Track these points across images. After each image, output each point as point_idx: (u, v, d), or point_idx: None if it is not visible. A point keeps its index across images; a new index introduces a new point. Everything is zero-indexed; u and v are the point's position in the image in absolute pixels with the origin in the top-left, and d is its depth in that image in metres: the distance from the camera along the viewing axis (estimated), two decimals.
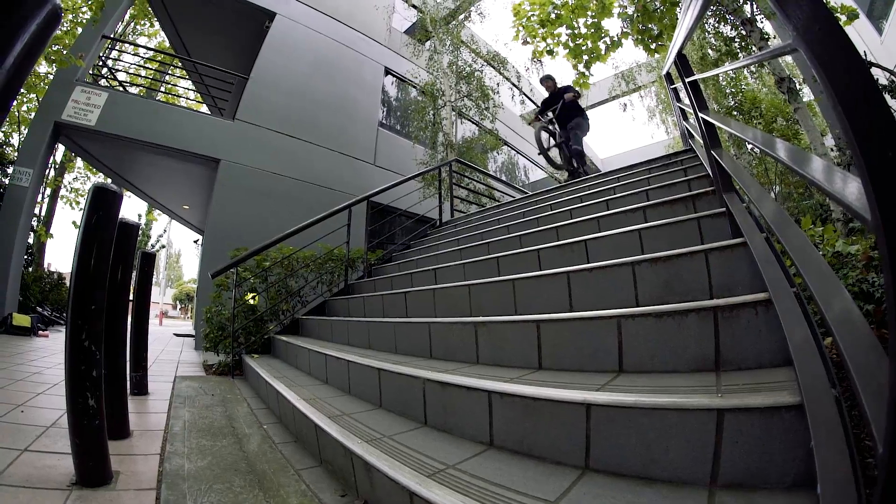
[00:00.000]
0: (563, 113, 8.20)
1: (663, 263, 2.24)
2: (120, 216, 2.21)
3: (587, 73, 8.84)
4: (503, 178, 16.50)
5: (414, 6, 14.51)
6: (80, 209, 17.48)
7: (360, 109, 12.12)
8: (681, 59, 3.13)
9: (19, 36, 0.79)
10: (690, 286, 2.12)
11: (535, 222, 4.43)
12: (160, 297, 46.47)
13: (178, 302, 57.46)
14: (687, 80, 2.99)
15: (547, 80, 8.53)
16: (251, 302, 5.91)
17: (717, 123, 2.52)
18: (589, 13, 8.38)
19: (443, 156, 11.19)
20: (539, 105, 8.44)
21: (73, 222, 18.39)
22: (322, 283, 6.31)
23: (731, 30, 8.33)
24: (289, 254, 6.13)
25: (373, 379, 2.48)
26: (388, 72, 13.50)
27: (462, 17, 13.42)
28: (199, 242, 19.54)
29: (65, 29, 11.62)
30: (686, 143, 5.47)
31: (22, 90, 12.75)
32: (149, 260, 3.98)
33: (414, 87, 13.09)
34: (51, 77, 9.73)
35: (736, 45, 8.19)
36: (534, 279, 2.72)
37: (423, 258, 5.38)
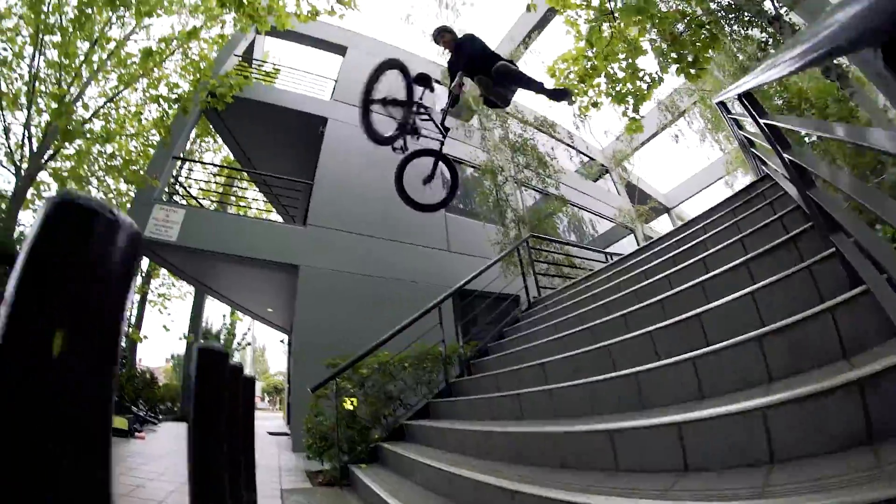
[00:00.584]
0: (479, 64, 5.44)
1: (789, 330, 2.11)
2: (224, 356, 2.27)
3: (637, 115, 8.75)
4: (572, 236, 16.21)
5: None
6: (168, 313, 18.92)
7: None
8: (748, 98, 3.09)
9: (110, 268, 0.74)
10: (820, 348, 2.01)
11: (634, 296, 4.23)
12: None
13: (266, 394, 59.41)
14: (763, 121, 2.94)
15: (443, 34, 5.77)
16: (350, 407, 5.90)
17: (806, 167, 2.44)
18: (620, 55, 8.39)
19: (515, 233, 11.12)
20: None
21: (164, 326, 19.84)
22: (421, 384, 6.25)
23: (761, 32, 8.05)
24: (385, 360, 6.14)
25: (506, 501, 2.36)
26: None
27: None
28: (286, 342, 20.24)
29: (138, 151, 12.81)
30: (757, 171, 5.25)
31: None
32: (250, 385, 4.10)
33: (473, 167, 13.32)
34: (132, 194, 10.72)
35: (770, 46, 7.93)
36: (657, 370, 2.59)
37: (523, 350, 5.18)
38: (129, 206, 11.40)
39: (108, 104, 12.47)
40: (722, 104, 5.22)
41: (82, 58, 11.10)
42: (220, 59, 12.46)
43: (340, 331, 8.78)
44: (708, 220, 5.09)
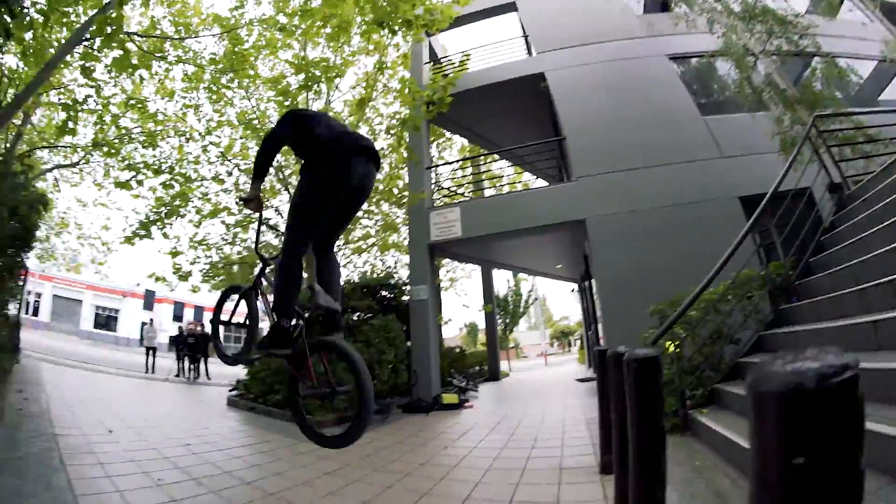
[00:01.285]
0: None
1: None
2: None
3: None
4: (837, 93, 12.88)
5: None
6: (465, 293, 22.45)
7: (673, 111, 11.23)
8: None
9: None
10: None
11: None
12: (540, 339, 51.18)
13: (554, 340, 63.92)
14: None
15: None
16: (672, 350, 5.60)
17: None
18: None
19: (790, 114, 9.45)
20: None
21: (464, 304, 22.81)
22: (748, 317, 5.80)
23: None
24: (712, 298, 5.72)
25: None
26: (673, 58, 12.31)
27: None
28: (576, 290, 20.90)
29: (390, 175, 14.40)
30: None
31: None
32: None
33: (711, 56, 11.82)
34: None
35: None
36: None
37: (857, 264, 4.44)
38: (407, 224, 13.00)
39: None
40: None
41: None
42: (416, 73, 13.33)
43: (642, 270, 8.85)
44: None
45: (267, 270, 3.47)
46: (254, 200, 3.23)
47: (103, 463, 4.68)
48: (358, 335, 10.36)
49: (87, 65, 8.11)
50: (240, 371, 10.86)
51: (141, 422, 7.34)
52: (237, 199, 4.55)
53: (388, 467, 5.26)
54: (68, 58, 9.14)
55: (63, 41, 7.69)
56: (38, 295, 37.33)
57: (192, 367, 17.18)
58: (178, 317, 45.06)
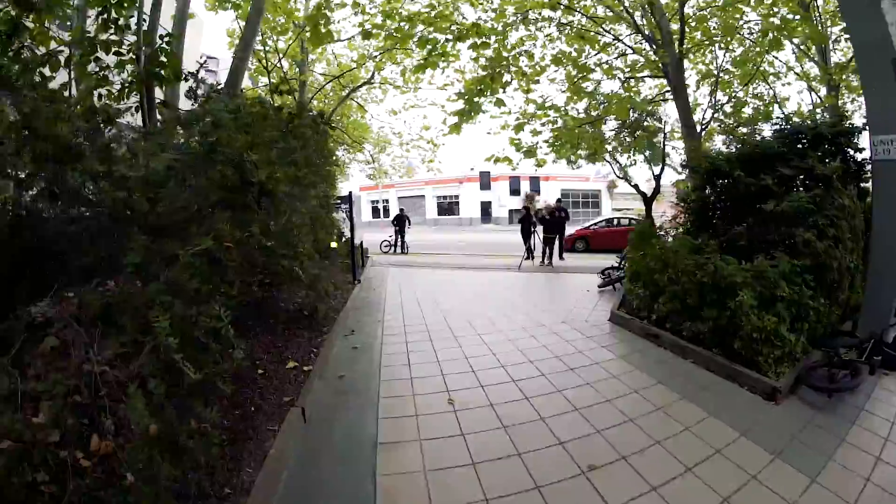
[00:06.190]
0: None
1: None
2: None
3: None
4: None
5: None
6: None
7: None
8: None
9: None
10: None
11: None
12: None
13: None
14: None
15: None
16: None
17: None
18: None
19: None
20: None
21: None
22: None
23: None
24: None
25: None
26: None
27: None
28: None
29: None
30: None
31: None
32: None
33: None
34: None
35: None
36: None
37: None
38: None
39: None
40: None
41: None
42: None
43: None
44: None
45: None
46: None
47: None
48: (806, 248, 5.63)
49: None
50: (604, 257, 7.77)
51: (495, 373, 5.30)
52: None
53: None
54: None
55: None
56: (386, 200, 46.97)
57: (545, 249, 14.10)
58: (514, 191, 46.77)
